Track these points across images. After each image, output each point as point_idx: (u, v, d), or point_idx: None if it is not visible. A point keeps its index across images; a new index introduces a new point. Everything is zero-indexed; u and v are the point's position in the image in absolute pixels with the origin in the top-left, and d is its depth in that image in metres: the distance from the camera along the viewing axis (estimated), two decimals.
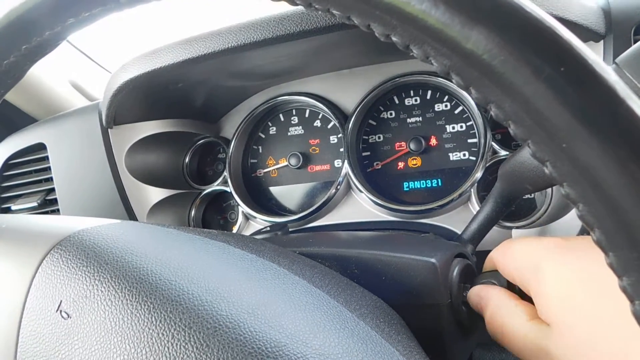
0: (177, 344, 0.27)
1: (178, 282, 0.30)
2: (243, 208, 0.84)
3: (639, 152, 0.17)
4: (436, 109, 0.77)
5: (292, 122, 0.86)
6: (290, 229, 0.66)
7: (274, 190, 0.87)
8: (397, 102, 0.79)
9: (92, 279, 0.31)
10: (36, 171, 0.92)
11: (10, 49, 0.32)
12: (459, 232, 0.60)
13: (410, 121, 0.78)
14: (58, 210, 0.87)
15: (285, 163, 0.85)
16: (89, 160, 0.85)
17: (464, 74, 0.20)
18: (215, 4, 1.28)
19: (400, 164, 0.79)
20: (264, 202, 0.87)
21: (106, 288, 0.30)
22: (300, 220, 0.80)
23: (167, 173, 0.89)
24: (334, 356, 0.27)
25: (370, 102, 0.79)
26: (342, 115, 0.80)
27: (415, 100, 0.78)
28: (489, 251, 0.45)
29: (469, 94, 0.20)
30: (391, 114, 0.80)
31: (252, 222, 0.86)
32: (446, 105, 0.76)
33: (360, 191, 0.76)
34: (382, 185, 0.79)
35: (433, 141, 0.77)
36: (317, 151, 0.84)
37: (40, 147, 0.90)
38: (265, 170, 0.87)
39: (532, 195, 0.71)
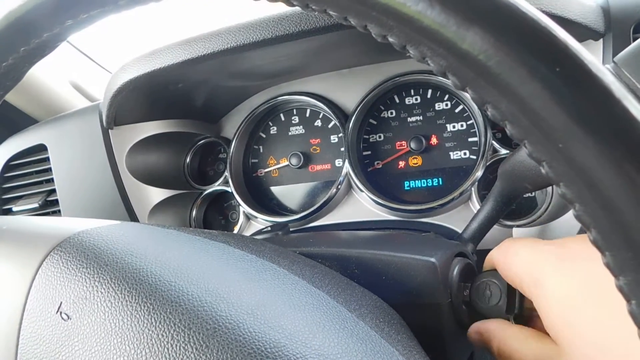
0: (176, 345, 0.27)
1: (178, 283, 0.30)
2: (244, 208, 0.84)
3: (635, 152, 0.17)
4: (436, 108, 0.77)
5: (293, 121, 0.86)
6: (291, 229, 0.66)
7: (275, 190, 0.87)
8: (397, 101, 0.79)
9: (92, 281, 0.31)
10: (37, 172, 0.92)
11: (8, 51, 0.32)
12: (460, 231, 0.60)
13: (410, 120, 0.78)
14: (59, 211, 0.88)
15: (286, 163, 0.85)
16: (90, 161, 0.85)
17: (460, 74, 0.20)
18: (215, 4, 1.28)
19: (401, 163, 0.79)
20: (265, 202, 0.87)
21: (106, 289, 0.30)
22: (301, 220, 0.80)
23: (168, 173, 0.89)
24: (333, 356, 0.28)
25: (371, 102, 0.79)
26: (342, 115, 0.80)
27: (416, 99, 0.78)
28: (489, 250, 0.45)
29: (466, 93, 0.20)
30: (392, 113, 0.80)
31: (253, 222, 0.86)
32: (446, 104, 0.76)
33: (361, 190, 0.76)
34: (383, 184, 0.79)
35: (434, 140, 0.77)
36: (317, 151, 0.84)
37: (41, 148, 0.90)
38: (266, 170, 0.87)
39: (533, 193, 0.71)
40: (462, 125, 0.75)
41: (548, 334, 0.36)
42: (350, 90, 0.81)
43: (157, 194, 0.86)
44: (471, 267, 0.47)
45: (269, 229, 0.64)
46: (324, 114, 0.84)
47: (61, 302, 0.31)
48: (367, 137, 0.81)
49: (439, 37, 0.19)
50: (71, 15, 0.31)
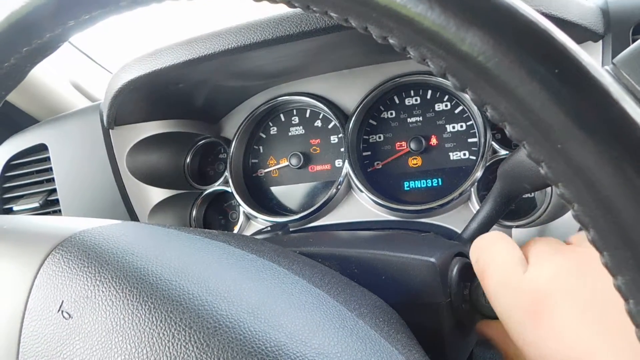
0: (177, 344, 0.27)
1: (178, 282, 0.30)
2: (244, 208, 0.84)
3: (632, 152, 0.17)
4: (436, 108, 0.77)
5: (293, 122, 0.86)
6: (291, 229, 0.66)
7: (275, 190, 0.87)
8: (397, 102, 0.79)
9: (93, 280, 0.31)
10: (38, 172, 0.92)
11: (10, 51, 0.32)
12: (459, 232, 0.60)
13: (410, 121, 0.78)
14: (60, 210, 0.88)
15: (286, 163, 0.85)
16: (91, 161, 0.85)
17: (460, 75, 0.20)
18: (216, 5, 1.28)
19: (401, 164, 0.79)
20: (265, 202, 0.87)
21: (107, 288, 0.30)
22: (301, 220, 0.80)
23: (168, 173, 0.89)
24: (333, 355, 0.28)
25: (371, 102, 0.79)
26: (342, 115, 0.81)
27: (416, 100, 0.78)
28: None
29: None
30: (391, 114, 0.80)
31: (253, 222, 0.86)
32: (446, 105, 0.77)
33: (361, 191, 0.76)
34: (383, 184, 0.79)
35: (433, 141, 0.77)
36: (317, 151, 0.84)
37: (42, 147, 0.90)
38: (266, 170, 0.87)
39: (532, 194, 0.71)
40: (461, 126, 0.75)
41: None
42: (350, 90, 0.81)
43: (158, 194, 0.86)
44: (470, 267, 0.47)
45: (269, 228, 0.64)
46: (324, 115, 0.84)
47: (62, 301, 0.31)
48: (367, 137, 0.81)
49: (439, 38, 0.20)
50: (73, 16, 0.31)
